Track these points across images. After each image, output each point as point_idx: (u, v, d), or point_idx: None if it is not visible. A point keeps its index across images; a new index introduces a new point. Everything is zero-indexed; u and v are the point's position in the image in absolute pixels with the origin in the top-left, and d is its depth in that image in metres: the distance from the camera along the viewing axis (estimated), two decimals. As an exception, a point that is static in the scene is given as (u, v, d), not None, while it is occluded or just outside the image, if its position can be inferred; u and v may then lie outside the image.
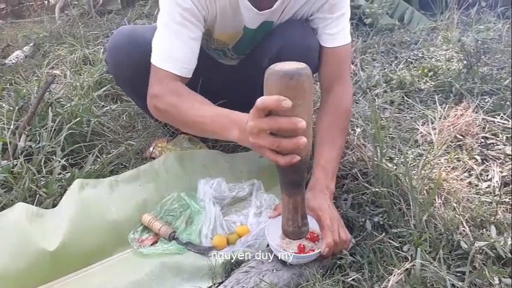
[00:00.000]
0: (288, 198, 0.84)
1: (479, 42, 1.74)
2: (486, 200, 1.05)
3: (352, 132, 1.39)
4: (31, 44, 2.86)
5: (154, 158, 1.31)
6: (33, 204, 1.09)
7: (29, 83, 1.96)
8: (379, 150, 1.13)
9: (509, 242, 0.87)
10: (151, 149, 1.37)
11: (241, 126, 0.85)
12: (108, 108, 1.71)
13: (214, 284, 0.91)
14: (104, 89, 1.84)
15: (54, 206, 1.11)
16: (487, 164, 1.22)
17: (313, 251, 0.91)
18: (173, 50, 1.05)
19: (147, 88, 1.08)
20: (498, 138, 1.33)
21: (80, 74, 2.09)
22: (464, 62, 1.79)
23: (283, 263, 0.90)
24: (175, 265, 0.95)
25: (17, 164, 1.24)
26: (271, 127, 0.73)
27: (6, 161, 1.26)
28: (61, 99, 1.67)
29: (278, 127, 0.72)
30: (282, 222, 0.88)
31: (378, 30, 2.57)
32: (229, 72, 1.36)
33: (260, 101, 0.71)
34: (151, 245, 1.04)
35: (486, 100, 1.57)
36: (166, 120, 1.16)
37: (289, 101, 0.69)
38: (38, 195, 1.16)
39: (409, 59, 2.13)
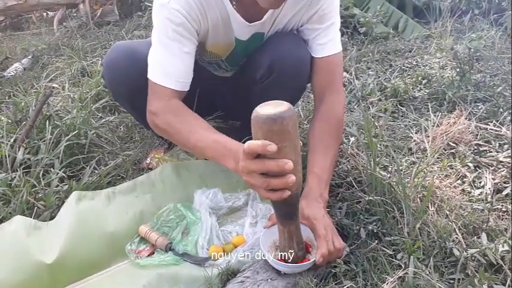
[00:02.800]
0: (283, 228, 0.89)
1: (472, 50, 1.76)
2: (478, 207, 1.06)
3: (347, 141, 1.40)
4: (30, 57, 2.88)
5: (151, 169, 1.32)
6: (31, 217, 1.11)
7: (27, 95, 1.98)
8: (372, 159, 1.14)
9: (501, 249, 0.88)
10: (148, 160, 1.39)
11: (237, 157, 0.87)
12: (106, 120, 1.72)
13: (210, 294, 0.93)
14: (102, 101, 1.86)
15: (52, 218, 1.12)
16: (480, 171, 1.23)
17: (308, 260, 0.92)
18: (168, 65, 1.07)
19: (145, 102, 1.10)
20: (491, 145, 1.35)
21: (78, 86, 2.11)
22: (457, 69, 1.82)
23: (278, 272, 0.92)
24: (171, 276, 0.96)
25: (15, 177, 1.26)
26: (260, 169, 0.77)
27: (4, 173, 1.27)
28: (59, 112, 1.69)
29: (266, 170, 0.76)
30: (279, 246, 0.93)
31: (372, 39, 2.59)
32: (224, 83, 1.38)
33: (247, 146, 0.76)
34: (148, 256, 1.05)
35: (479, 107, 1.59)
36: (166, 137, 1.20)
37: (274, 145, 0.73)
38: (36, 207, 1.18)
39: (403, 67, 2.15)
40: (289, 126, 0.74)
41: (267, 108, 0.73)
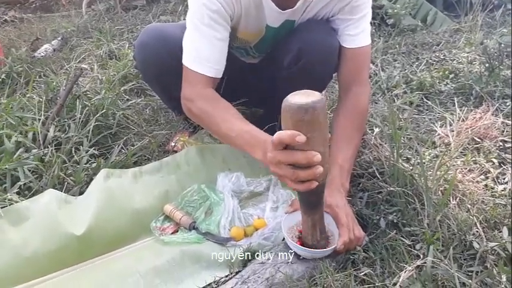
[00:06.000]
0: (307, 216, 0.90)
1: (502, 45, 1.72)
2: (501, 202, 1.06)
3: (370, 131, 1.41)
4: (59, 38, 2.94)
5: (176, 151, 1.36)
6: (61, 191, 1.15)
7: (57, 75, 2.03)
8: (395, 151, 1.15)
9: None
10: (173, 142, 1.42)
11: (265, 148, 0.88)
12: (132, 102, 1.77)
13: (232, 273, 0.95)
14: (130, 84, 1.90)
15: (81, 193, 1.17)
16: (504, 167, 1.22)
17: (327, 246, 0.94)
18: (202, 51, 1.09)
19: (174, 85, 1.13)
20: (517, 142, 1.33)
21: (106, 69, 2.16)
22: (486, 64, 1.78)
23: (298, 256, 0.94)
24: (194, 253, 1.00)
25: (47, 153, 1.31)
26: (288, 161, 0.77)
27: (36, 149, 1.33)
28: (88, 92, 1.73)
29: (294, 161, 0.76)
30: (303, 234, 0.94)
31: (400, 31, 2.56)
32: (250, 70, 1.40)
33: (276, 136, 0.76)
34: (172, 233, 1.09)
35: (507, 104, 1.56)
36: (198, 123, 1.22)
37: (303, 136, 0.73)
38: (66, 182, 1.23)
39: (430, 61, 2.12)
40: (320, 117, 0.73)
41: (299, 97, 0.73)
